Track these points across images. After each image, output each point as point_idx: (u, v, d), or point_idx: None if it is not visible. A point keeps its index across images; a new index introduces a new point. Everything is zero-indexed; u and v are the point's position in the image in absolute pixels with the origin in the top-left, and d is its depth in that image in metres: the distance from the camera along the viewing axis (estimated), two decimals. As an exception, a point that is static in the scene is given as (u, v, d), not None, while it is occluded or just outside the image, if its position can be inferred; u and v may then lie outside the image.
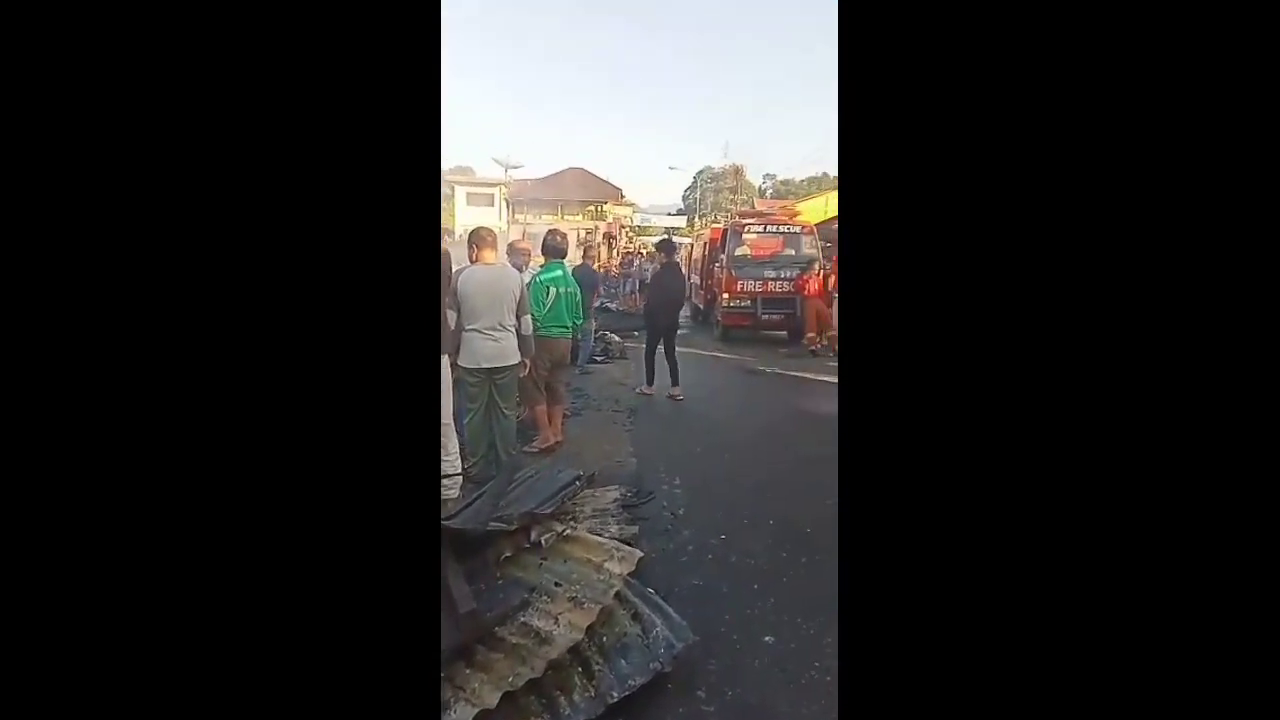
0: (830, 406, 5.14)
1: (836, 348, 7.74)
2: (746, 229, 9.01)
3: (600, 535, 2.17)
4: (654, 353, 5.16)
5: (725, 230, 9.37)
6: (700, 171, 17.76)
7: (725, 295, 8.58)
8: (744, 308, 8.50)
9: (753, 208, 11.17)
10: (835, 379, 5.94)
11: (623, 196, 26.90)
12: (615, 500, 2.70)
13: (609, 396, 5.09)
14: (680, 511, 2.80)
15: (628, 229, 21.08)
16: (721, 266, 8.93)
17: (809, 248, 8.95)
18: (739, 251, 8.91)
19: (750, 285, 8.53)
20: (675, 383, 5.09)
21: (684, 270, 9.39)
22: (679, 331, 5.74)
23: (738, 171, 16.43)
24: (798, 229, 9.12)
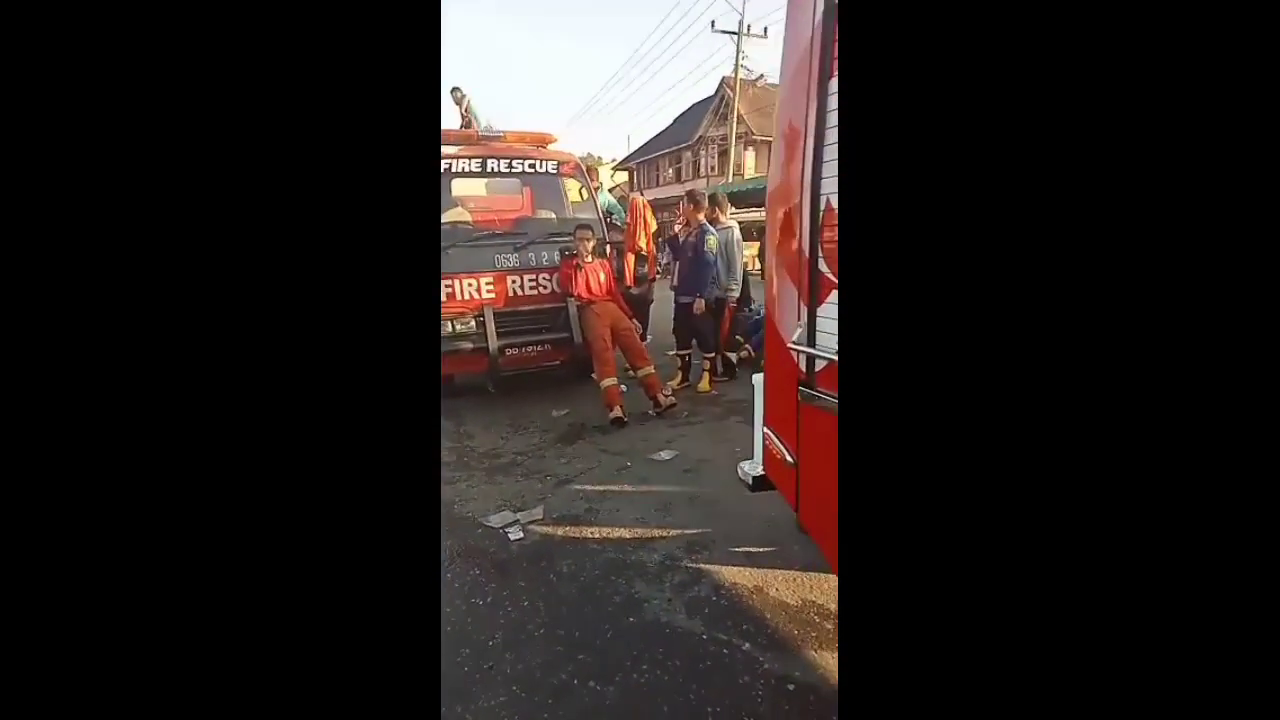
0: None
1: (661, 399, 3.89)
2: (453, 170, 4.31)
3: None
4: None
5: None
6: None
7: (425, 314, 4.01)
8: (466, 339, 4.02)
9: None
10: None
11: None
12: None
13: None
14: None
15: None
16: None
17: (580, 203, 4.80)
18: (445, 218, 4.34)
19: (472, 290, 4.09)
20: None
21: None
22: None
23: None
24: (553, 166, 4.69)
